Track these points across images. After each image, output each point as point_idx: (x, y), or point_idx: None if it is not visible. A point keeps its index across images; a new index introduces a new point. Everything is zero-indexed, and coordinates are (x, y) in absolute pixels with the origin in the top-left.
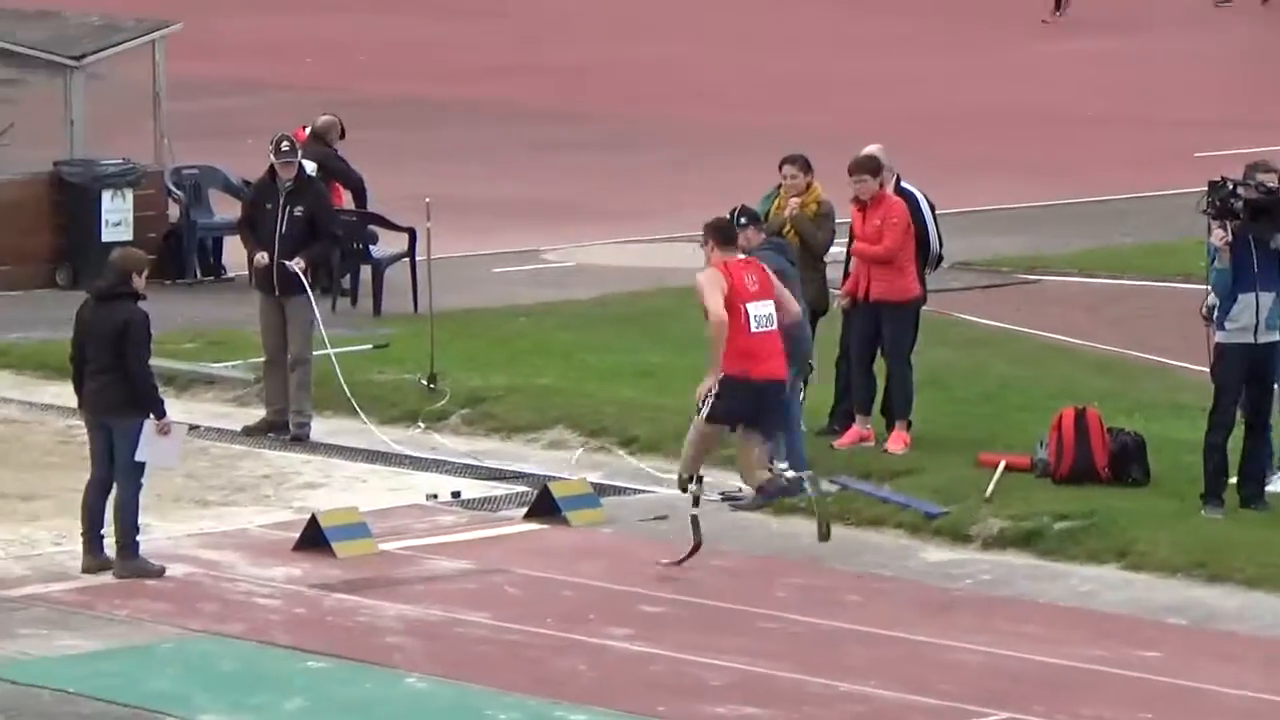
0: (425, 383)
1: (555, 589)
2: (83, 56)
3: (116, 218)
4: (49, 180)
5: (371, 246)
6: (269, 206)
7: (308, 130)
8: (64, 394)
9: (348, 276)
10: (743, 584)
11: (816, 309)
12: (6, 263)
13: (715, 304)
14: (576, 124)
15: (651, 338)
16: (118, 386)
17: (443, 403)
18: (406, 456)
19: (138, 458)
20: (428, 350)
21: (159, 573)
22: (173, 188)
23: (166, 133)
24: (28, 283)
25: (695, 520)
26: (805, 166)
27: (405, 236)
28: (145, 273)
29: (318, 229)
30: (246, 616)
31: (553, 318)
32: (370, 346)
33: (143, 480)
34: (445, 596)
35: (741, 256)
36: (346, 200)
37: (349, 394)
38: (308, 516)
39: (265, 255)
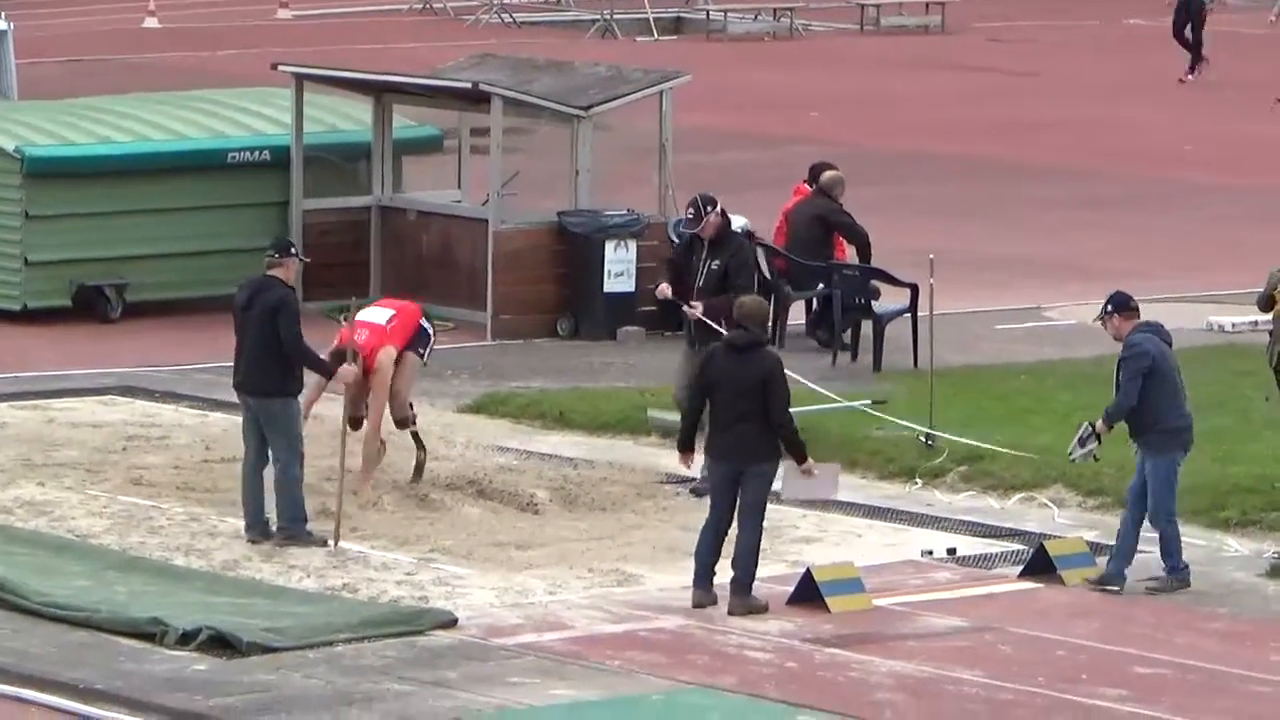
0: (923, 439)
1: (1048, 648)
2: (590, 107)
3: (619, 268)
4: (553, 230)
5: (874, 301)
6: (694, 259)
7: (811, 185)
8: (561, 444)
9: (849, 331)
10: (1237, 647)
11: None
12: (508, 311)
13: None
14: (1080, 182)
15: None
16: (756, 434)
17: (940, 459)
18: (903, 512)
19: (786, 496)
20: (927, 406)
21: (764, 609)
22: (676, 239)
23: (672, 183)
24: (529, 332)
25: None
26: None
27: (907, 292)
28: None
29: (729, 280)
30: (738, 669)
31: (1053, 376)
32: (869, 402)
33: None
34: (937, 653)
35: None
36: (850, 255)
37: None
38: (803, 570)
39: (669, 288)
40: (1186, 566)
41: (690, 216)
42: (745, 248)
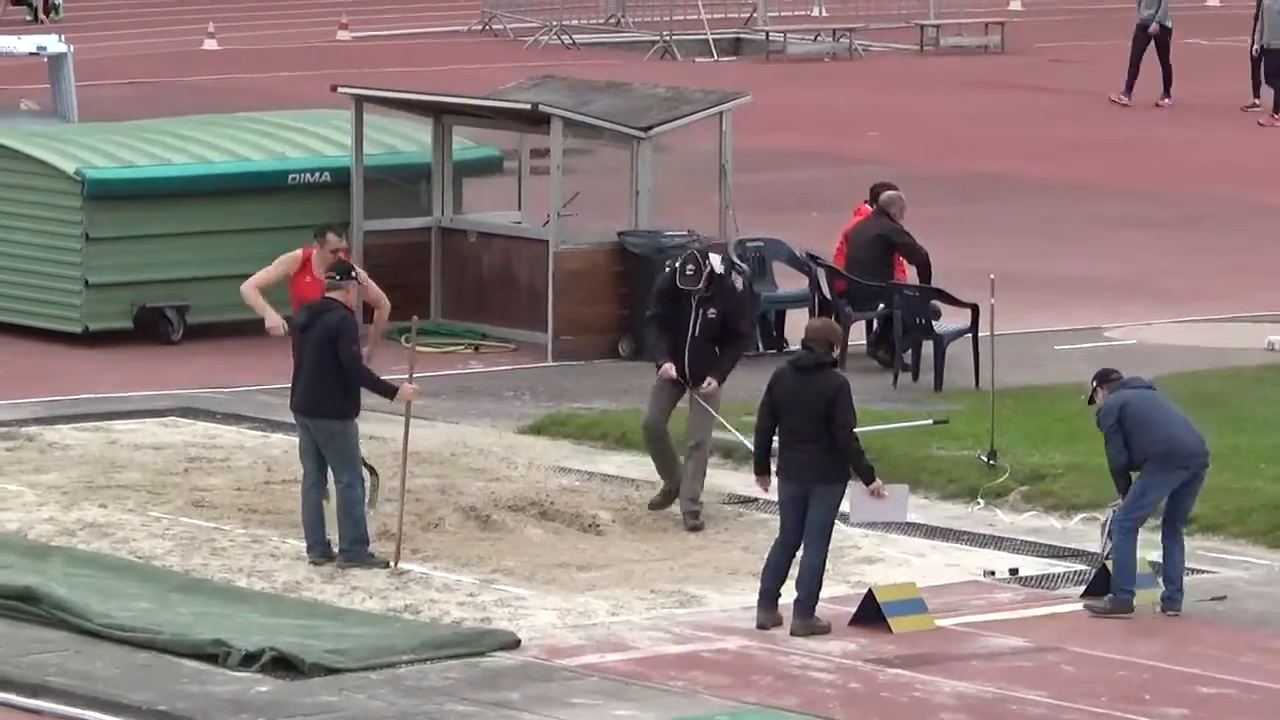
0: (985, 459)
1: (1111, 668)
2: (650, 127)
3: None
4: (614, 251)
5: (934, 322)
6: (680, 310)
7: (871, 205)
8: (625, 465)
9: (910, 351)
10: None
11: None
12: (569, 332)
13: None
14: (1140, 202)
15: (1206, 418)
16: (822, 455)
17: (1002, 479)
18: (965, 533)
19: (855, 519)
20: (988, 426)
21: (826, 630)
22: (736, 260)
23: (731, 204)
24: (590, 353)
25: None
26: None
27: (968, 312)
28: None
29: (728, 327)
30: (801, 690)
31: None
32: (930, 422)
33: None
34: (1000, 674)
35: None
36: (910, 275)
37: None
38: (865, 591)
39: (673, 368)
40: (1132, 593)
41: (691, 273)
42: (739, 291)
